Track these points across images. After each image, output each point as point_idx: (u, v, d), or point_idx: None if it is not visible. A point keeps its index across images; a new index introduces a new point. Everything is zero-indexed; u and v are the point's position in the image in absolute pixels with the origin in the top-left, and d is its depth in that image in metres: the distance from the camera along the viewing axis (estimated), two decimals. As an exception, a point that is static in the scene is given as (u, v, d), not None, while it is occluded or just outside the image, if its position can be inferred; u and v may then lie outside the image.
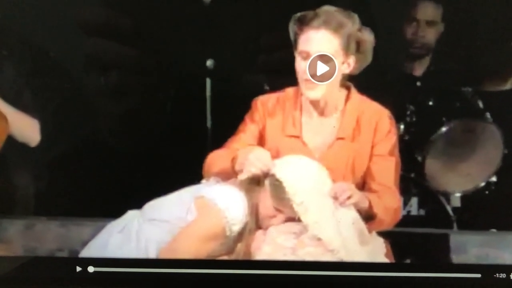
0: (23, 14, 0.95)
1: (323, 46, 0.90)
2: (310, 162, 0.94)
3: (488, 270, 0.93)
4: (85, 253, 0.95)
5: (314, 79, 0.92)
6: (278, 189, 0.91)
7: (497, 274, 0.93)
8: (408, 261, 1.00)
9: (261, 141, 0.97)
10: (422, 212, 1.07)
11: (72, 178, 1.01)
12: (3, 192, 1.01)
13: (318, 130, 0.96)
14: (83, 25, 0.94)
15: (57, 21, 0.93)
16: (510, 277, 0.92)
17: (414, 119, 1.05)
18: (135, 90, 0.97)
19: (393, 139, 0.96)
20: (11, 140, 0.99)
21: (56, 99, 0.99)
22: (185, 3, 0.96)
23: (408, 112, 1.05)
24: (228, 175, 0.95)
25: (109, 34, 0.93)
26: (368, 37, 0.92)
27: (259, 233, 0.94)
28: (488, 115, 1.04)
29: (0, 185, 1.01)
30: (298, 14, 0.91)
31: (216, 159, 0.96)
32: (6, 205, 1.02)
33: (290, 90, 0.97)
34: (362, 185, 0.97)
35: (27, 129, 0.99)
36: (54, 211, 1.02)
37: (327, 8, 0.91)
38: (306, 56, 0.91)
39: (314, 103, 0.95)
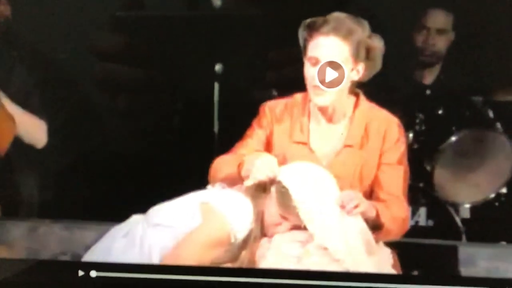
0: (37, 23, 0.96)
1: (333, 52, 0.90)
2: (317, 169, 0.93)
3: (498, 283, 0.92)
4: (88, 257, 0.95)
5: (323, 85, 0.91)
6: (284, 196, 0.91)
7: (507, 287, 0.91)
8: (415, 272, 0.98)
9: (268, 147, 0.97)
10: (430, 222, 1.06)
11: (77, 181, 1.01)
12: (7, 194, 1.01)
13: (326, 137, 0.96)
14: (94, 51, 0.95)
15: (69, 36, 0.95)
16: (520, 291, 0.91)
17: (423, 127, 1.05)
18: (142, 91, 0.97)
19: (401, 147, 0.95)
20: (17, 142, 0.99)
21: (65, 107, 1.00)
22: (194, 7, 0.96)
23: (417, 121, 1.05)
24: (234, 181, 0.94)
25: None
26: (377, 44, 0.92)
27: (264, 240, 0.93)
28: (498, 125, 1.04)
29: (4, 187, 1.01)
30: (308, 20, 0.91)
31: (222, 165, 0.96)
32: (10, 207, 1.02)
33: (298, 96, 0.97)
34: (370, 194, 0.96)
35: (34, 130, 1.00)
36: (58, 214, 1.01)
37: (337, 14, 0.91)
38: (315, 62, 0.91)
39: (323, 110, 0.95)
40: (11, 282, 0.93)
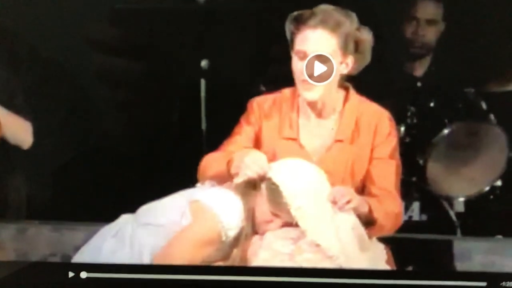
0: (25, 18, 0.95)
1: (321, 45, 0.89)
2: (308, 165, 0.92)
3: (494, 278, 0.91)
4: (78, 258, 0.94)
5: (311, 79, 0.90)
6: (274, 193, 0.90)
7: (503, 282, 0.90)
8: (410, 268, 0.98)
9: (257, 144, 0.96)
10: (424, 217, 1.05)
11: (65, 182, 1.01)
12: (-5, 196, 1.01)
13: (315, 132, 0.95)
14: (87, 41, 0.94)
15: (61, 31, 0.93)
16: (516, 285, 0.90)
17: (415, 121, 1.04)
18: (127, 90, 0.97)
19: (393, 141, 0.94)
20: (3, 143, 0.98)
21: (50, 108, 0.99)
22: (179, 2, 0.95)
23: (409, 114, 1.04)
24: (224, 178, 0.93)
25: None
26: (366, 36, 0.90)
27: (256, 238, 0.92)
28: (492, 116, 1.02)
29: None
30: (295, 13, 0.90)
31: (211, 162, 0.95)
32: (-2, 209, 1.02)
33: (286, 91, 0.96)
34: (362, 189, 0.95)
35: (19, 131, 0.99)
36: (47, 215, 1.01)
37: (324, 7, 0.89)
38: (303, 56, 0.90)
39: (312, 105, 0.94)
40: (1, 283, 0.93)
